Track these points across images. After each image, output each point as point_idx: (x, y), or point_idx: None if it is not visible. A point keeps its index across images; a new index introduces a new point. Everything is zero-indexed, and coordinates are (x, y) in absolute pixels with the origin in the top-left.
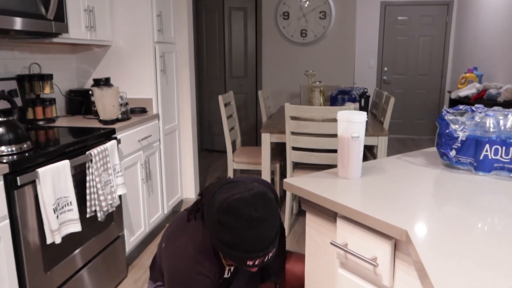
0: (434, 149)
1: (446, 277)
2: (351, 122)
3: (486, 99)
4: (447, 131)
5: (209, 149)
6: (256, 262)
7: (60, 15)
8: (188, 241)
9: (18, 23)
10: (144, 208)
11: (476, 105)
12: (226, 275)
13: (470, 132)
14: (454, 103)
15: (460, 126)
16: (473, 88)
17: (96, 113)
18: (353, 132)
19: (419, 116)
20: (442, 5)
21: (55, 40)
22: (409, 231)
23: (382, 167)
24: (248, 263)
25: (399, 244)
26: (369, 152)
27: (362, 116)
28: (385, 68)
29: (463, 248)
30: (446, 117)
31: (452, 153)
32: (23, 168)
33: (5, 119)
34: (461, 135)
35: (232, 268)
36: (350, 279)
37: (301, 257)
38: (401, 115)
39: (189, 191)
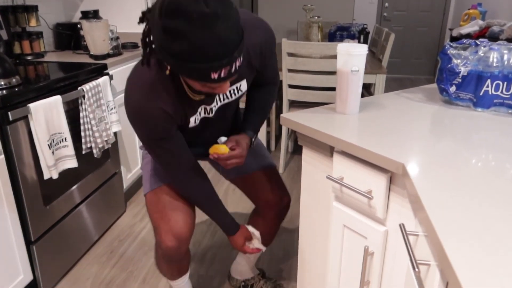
0: (434, 85)
1: (441, 207)
2: (351, 55)
3: (488, 37)
4: (449, 66)
5: None
6: (222, 74)
7: None
8: (141, 74)
9: None
10: (139, 144)
11: (481, 39)
12: (194, 123)
13: (472, 67)
14: (455, 40)
15: (463, 61)
16: (476, 25)
17: (86, 48)
18: (353, 65)
19: (418, 55)
20: None
21: None
22: (406, 164)
23: (380, 102)
24: (212, 76)
25: (394, 177)
26: (366, 91)
27: (363, 48)
28: (386, 4)
29: (458, 181)
30: (448, 52)
31: (452, 88)
32: (14, 103)
33: None
34: (463, 70)
35: (202, 111)
36: (345, 211)
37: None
38: (400, 54)
39: None
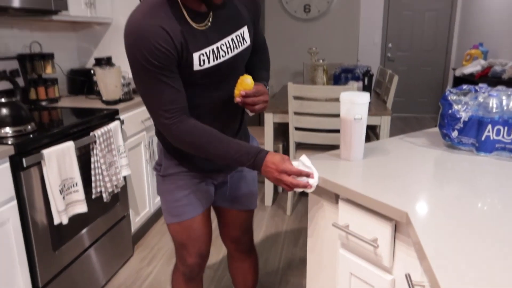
0: (436, 129)
1: (445, 257)
2: (354, 103)
3: (490, 77)
4: (450, 111)
5: None
6: None
7: None
8: (144, 1)
9: (16, 0)
10: (148, 188)
11: (480, 85)
12: (199, 64)
13: (472, 112)
14: (458, 80)
15: (463, 107)
16: (478, 65)
17: (98, 93)
18: (356, 113)
19: (422, 95)
20: None
21: (54, 17)
22: (409, 213)
23: (384, 148)
24: None
25: (399, 225)
26: (371, 132)
27: (365, 97)
28: (390, 45)
29: (462, 228)
30: (449, 98)
31: (454, 133)
32: (28, 150)
33: (8, 100)
34: (464, 116)
35: (209, 52)
36: (351, 259)
37: None
38: (405, 93)
39: None
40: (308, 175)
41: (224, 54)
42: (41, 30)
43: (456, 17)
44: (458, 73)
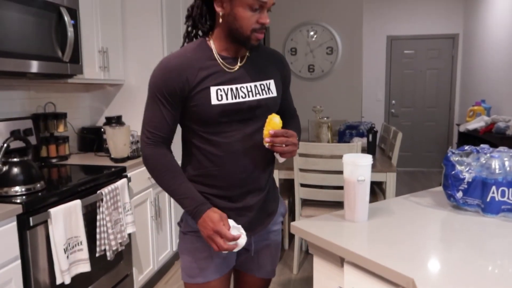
0: (441, 188)
1: None
2: (357, 165)
3: (494, 133)
4: (453, 172)
5: None
6: None
7: (76, 57)
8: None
9: (35, 66)
10: (153, 246)
11: (482, 146)
12: (216, 98)
13: (476, 173)
14: (463, 136)
15: (466, 167)
16: (481, 121)
17: (107, 151)
18: (359, 175)
19: (428, 149)
20: (447, 38)
21: (70, 81)
22: (416, 279)
23: (389, 208)
24: None
25: None
26: (377, 187)
27: (368, 159)
28: (393, 101)
29: None
30: (451, 158)
31: (459, 194)
32: (36, 209)
33: (19, 159)
34: (467, 177)
35: (228, 91)
36: None
37: None
38: (410, 148)
39: None
40: (237, 238)
41: (244, 96)
42: (56, 91)
43: (457, 75)
44: (462, 128)
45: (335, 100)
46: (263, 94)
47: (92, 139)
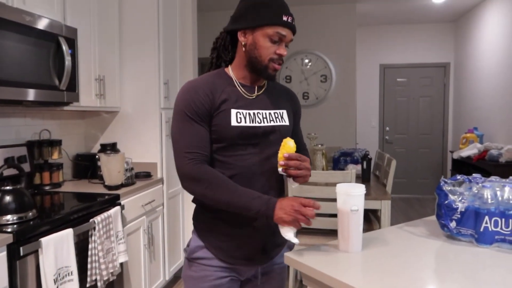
0: (435, 217)
1: None
2: (350, 195)
3: (488, 160)
4: (446, 202)
5: None
6: (289, 19)
7: (72, 85)
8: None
9: (31, 94)
10: (145, 275)
11: (474, 175)
12: (236, 121)
13: (468, 203)
14: (456, 163)
15: (459, 197)
16: (474, 149)
17: (101, 178)
18: (352, 205)
19: (423, 176)
20: (439, 67)
21: (66, 108)
22: None
23: (384, 238)
24: (284, 17)
25: None
26: (373, 215)
27: (361, 189)
28: (387, 128)
29: None
30: (444, 188)
31: (453, 224)
32: (26, 238)
33: (12, 187)
34: (460, 206)
35: (246, 115)
36: None
37: None
38: (405, 174)
39: None
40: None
41: (260, 121)
42: (52, 118)
43: (449, 102)
44: (456, 155)
45: (329, 127)
46: (277, 122)
47: (86, 166)
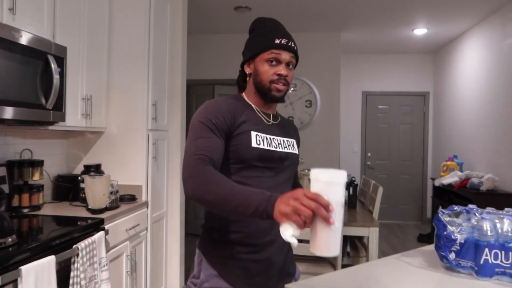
0: (430, 247)
1: None
2: (331, 183)
3: (469, 188)
4: (445, 233)
5: (194, 233)
6: (283, 41)
7: (59, 104)
8: None
9: (16, 113)
10: None
11: (470, 206)
12: (256, 142)
13: (467, 234)
14: (437, 190)
15: (457, 228)
16: (455, 176)
17: (83, 200)
18: (333, 195)
19: (403, 201)
20: (419, 95)
21: (50, 127)
22: None
23: (383, 269)
24: (276, 40)
25: None
26: (359, 242)
27: (343, 175)
28: (369, 154)
29: None
30: (442, 219)
31: (452, 255)
32: (5, 266)
33: None
34: (459, 238)
35: (264, 138)
36: None
37: None
38: (387, 200)
39: (174, 280)
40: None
41: (275, 146)
42: (33, 137)
43: (429, 131)
44: (437, 183)
45: (313, 151)
46: (289, 149)
47: (68, 187)
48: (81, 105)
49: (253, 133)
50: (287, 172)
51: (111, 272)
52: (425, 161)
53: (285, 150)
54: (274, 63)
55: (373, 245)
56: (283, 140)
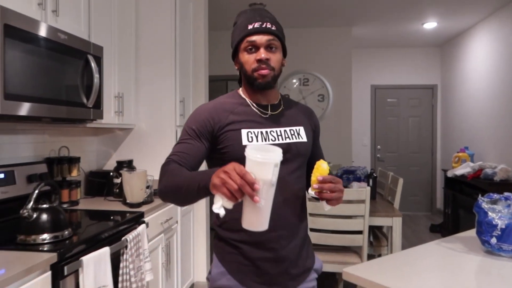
0: (468, 233)
1: None
2: (260, 163)
3: (483, 178)
4: (486, 219)
5: None
6: (256, 25)
7: (98, 103)
8: None
9: (64, 111)
10: None
11: (506, 194)
12: (247, 139)
13: (507, 220)
14: (449, 181)
15: (497, 215)
16: (468, 167)
17: (117, 195)
18: (269, 173)
19: (414, 193)
20: (427, 88)
21: (88, 125)
22: None
23: (429, 253)
24: (249, 27)
25: None
26: (379, 231)
27: (272, 156)
28: (378, 146)
29: None
30: (483, 206)
31: (493, 240)
32: (68, 257)
33: (49, 205)
34: (500, 223)
35: (259, 133)
36: None
37: None
38: None
39: (200, 274)
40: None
41: (273, 139)
42: (68, 135)
43: (437, 122)
44: (450, 174)
45: (327, 145)
46: (293, 139)
47: (101, 183)
48: (114, 102)
49: (244, 131)
50: (292, 164)
51: (153, 265)
52: (434, 152)
53: (287, 141)
54: (253, 50)
55: (397, 234)
56: (285, 130)
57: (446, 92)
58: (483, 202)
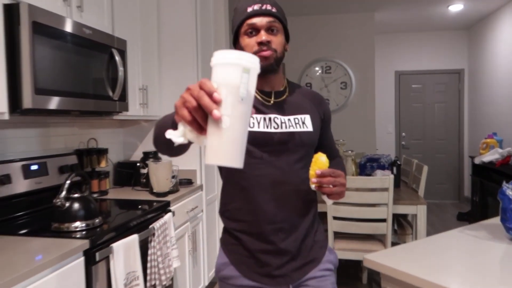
0: (492, 221)
1: None
2: (220, 65)
3: (511, 164)
4: (511, 206)
5: None
6: (255, 7)
7: (123, 95)
8: None
9: (91, 105)
10: (189, 280)
11: None
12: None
13: None
14: (476, 168)
15: None
16: (496, 154)
17: (144, 185)
18: (222, 81)
19: (439, 180)
20: (453, 73)
21: (115, 117)
22: None
23: (449, 241)
24: (248, 9)
25: None
26: (403, 219)
27: (238, 56)
28: (403, 134)
29: None
30: (507, 193)
31: None
32: (99, 244)
33: (80, 195)
34: None
35: (261, 119)
36: None
37: None
38: None
39: None
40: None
41: (276, 127)
42: (96, 127)
43: (464, 108)
44: (477, 161)
45: (350, 133)
46: (296, 128)
47: (129, 173)
48: (139, 95)
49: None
50: (294, 154)
51: (180, 251)
52: (461, 139)
53: (290, 129)
54: (253, 33)
55: (421, 222)
56: (289, 119)
57: (474, 77)
58: (508, 188)
